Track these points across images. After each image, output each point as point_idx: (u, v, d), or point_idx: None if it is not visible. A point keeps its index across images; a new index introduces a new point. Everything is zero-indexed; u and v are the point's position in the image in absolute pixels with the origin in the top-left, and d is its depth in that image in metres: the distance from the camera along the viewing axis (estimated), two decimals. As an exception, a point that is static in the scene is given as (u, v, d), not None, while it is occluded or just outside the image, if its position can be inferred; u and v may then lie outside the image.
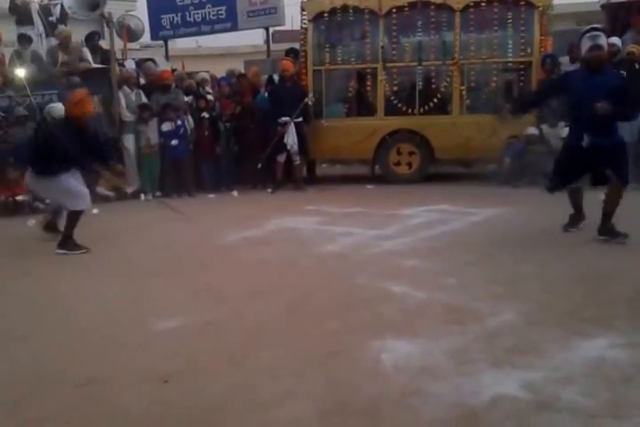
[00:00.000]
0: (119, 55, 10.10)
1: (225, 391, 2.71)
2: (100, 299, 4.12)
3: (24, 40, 9.45)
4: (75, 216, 5.59)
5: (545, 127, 8.65)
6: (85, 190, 5.72)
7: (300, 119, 9.00)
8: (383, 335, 3.23)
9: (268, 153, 8.89)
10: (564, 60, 8.96)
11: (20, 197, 7.63)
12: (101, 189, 8.42)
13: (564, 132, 8.30)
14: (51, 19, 10.12)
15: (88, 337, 3.43)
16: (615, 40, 8.29)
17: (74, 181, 5.64)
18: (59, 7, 10.27)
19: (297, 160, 9.13)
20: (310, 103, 9.17)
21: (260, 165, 8.93)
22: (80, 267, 5.06)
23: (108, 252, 5.59)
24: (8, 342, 3.41)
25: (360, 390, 2.67)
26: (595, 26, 4.31)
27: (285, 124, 8.88)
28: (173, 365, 2.98)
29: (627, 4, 9.01)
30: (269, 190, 9.02)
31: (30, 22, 10.19)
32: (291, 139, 8.91)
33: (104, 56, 9.49)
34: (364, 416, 2.47)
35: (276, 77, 9.65)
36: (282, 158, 9.07)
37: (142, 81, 9.52)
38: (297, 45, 9.98)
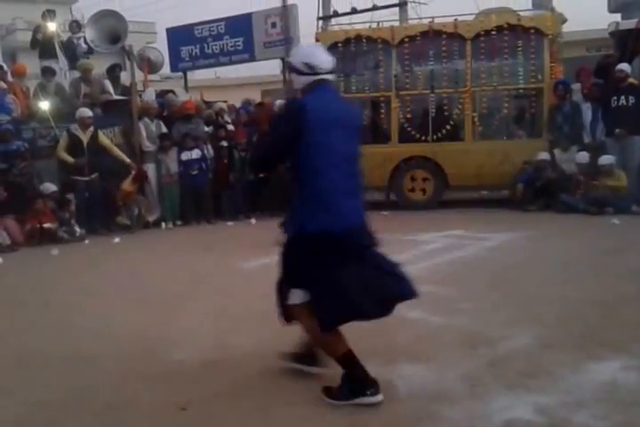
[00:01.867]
0: (139, 87, 10.36)
1: (241, 418, 2.76)
2: (118, 327, 4.19)
3: (48, 73, 9.72)
4: None
5: (557, 152, 8.74)
6: None
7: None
8: (397, 360, 3.28)
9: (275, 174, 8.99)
10: (576, 86, 9.10)
11: (46, 226, 7.75)
12: (120, 219, 8.61)
13: (580, 157, 8.41)
14: (80, 50, 10.41)
15: (108, 365, 3.49)
16: (624, 66, 8.42)
17: None
18: (82, 40, 10.59)
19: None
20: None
21: (261, 175, 8.95)
22: (101, 296, 5.12)
23: (127, 280, 5.69)
24: (34, 370, 3.48)
25: (374, 414, 2.71)
26: None
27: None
28: (191, 392, 3.03)
29: (635, 31, 9.12)
30: (287, 217, 9.12)
31: (53, 55, 10.53)
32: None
33: (125, 89, 9.76)
34: (378, 440, 2.51)
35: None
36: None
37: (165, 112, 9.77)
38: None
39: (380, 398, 2.78)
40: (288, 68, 3.04)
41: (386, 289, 2.82)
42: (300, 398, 2.91)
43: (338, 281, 2.72)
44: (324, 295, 2.75)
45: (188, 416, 2.80)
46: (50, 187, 8.05)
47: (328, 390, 2.86)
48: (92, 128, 8.46)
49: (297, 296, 2.84)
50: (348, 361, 2.84)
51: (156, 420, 2.79)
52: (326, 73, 2.93)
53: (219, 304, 4.68)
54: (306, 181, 2.82)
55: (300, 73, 2.93)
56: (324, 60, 2.95)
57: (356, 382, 2.80)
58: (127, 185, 8.40)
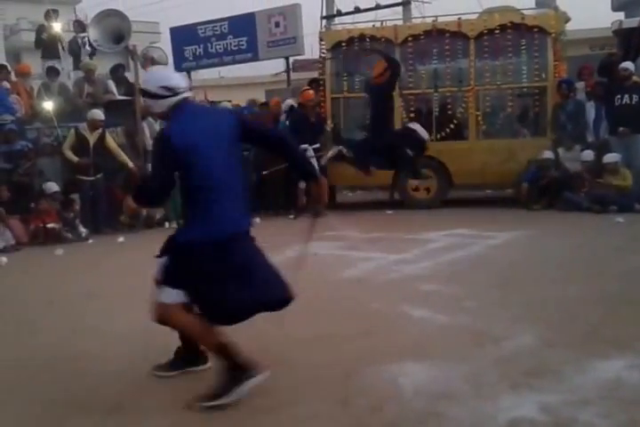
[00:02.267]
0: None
1: (247, 416, 2.76)
2: (122, 326, 4.18)
3: (52, 73, 9.74)
4: None
5: (561, 150, 8.73)
6: None
7: (318, 145, 9.18)
8: (401, 359, 3.27)
9: (271, 171, 9.02)
10: (580, 85, 9.09)
11: (50, 226, 7.75)
12: (125, 218, 8.60)
13: (584, 155, 8.41)
14: (86, 47, 10.41)
15: (111, 365, 3.48)
16: (628, 65, 8.41)
17: None
18: (86, 40, 10.60)
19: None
20: (329, 129, 9.39)
21: (264, 173, 9.06)
22: (104, 295, 5.11)
23: (131, 279, 5.65)
24: (38, 370, 3.49)
25: (378, 412, 2.71)
26: None
27: (305, 151, 9.05)
28: (193, 392, 2.99)
29: (639, 29, 9.12)
30: (291, 217, 9.14)
31: (56, 55, 10.55)
32: (310, 165, 9.07)
33: (129, 88, 9.77)
34: (383, 438, 2.51)
35: (295, 105, 9.88)
36: (303, 185, 9.21)
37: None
38: (316, 74, 10.22)
39: (265, 375, 2.85)
40: (144, 94, 3.09)
41: (261, 294, 3.01)
42: (302, 398, 2.91)
43: (220, 284, 2.86)
44: (210, 298, 2.89)
45: (189, 416, 2.80)
46: (52, 187, 8.03)
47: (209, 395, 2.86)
48: (100, 130, 8.48)
49: (169, 296, 2.93)
50: (225, 350, 2.89)
51: (158, 420, 2.79)
52: (185, 91, 3.02)
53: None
54: (187, 195, 3.00)
55: (160, 97, 2.99)
56: (180, 79, 3.06)
57: (238, 369, 2.83)
58: (132, 202, 8.35)
